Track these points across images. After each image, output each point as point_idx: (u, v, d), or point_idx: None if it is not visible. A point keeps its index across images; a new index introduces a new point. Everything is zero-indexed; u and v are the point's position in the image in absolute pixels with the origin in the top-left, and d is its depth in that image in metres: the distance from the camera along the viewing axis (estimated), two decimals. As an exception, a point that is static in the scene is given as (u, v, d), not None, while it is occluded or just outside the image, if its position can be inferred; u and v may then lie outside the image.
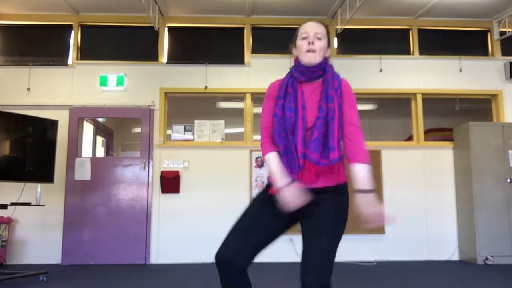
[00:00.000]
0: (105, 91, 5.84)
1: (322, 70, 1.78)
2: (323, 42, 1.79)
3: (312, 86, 1.80)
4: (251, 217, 1.79)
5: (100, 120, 6.80)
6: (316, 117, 1.72)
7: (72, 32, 6.03)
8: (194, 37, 6.24)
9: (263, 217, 1.78)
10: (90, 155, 6.11)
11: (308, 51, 1.76)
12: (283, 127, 1.74)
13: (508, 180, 5.46)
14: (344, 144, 1.76)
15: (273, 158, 1.79)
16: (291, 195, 1.68)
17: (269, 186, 1.83)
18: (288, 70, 1.87)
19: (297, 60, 1.83)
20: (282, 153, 1.75)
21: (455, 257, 5.73)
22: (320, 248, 1.65)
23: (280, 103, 1.76)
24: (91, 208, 5.52)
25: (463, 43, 6.41)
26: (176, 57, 6.07)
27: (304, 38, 1.79)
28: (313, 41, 1.76)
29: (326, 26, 1.86)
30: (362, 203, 1.68)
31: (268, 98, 1.84)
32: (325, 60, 1.82)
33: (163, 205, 5.61)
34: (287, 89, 1.78)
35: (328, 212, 1.72)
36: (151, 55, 6.04)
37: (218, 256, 1.72)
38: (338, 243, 1.72)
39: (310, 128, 1.73)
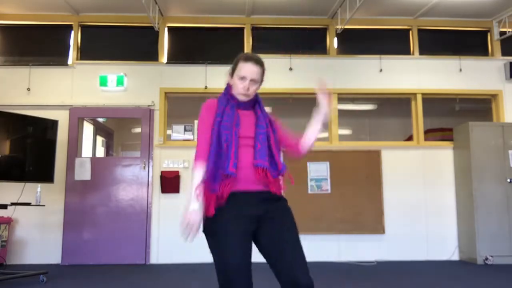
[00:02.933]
0: (105, 91, 5.84)
1: (254, 103, 1.98)
2: (257, 85, 1.96)
3: (245, 111, 1.96)
4: (241, 250, 1.76)
5: (100, 120, 6.80)
6: (254, 132, 1.90)
7: (72, 32, 6.03)
8: (194, 37, 6.24)
9: (246, 244, 1.78)
10: (90, 155, 6.11)
11: (243, 94, 1.92)
12: (219, 142, 1.84)
13: (508, 180, 5.46)
14: (292, 145, 2.05)
15: (201, 172, 1.83)
16: (195, 219, 1.74)
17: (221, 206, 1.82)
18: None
19: (231, 88, 1.97)
20: (213, 165, 1.83)
21: (455, 257, 5.72)
22: (300, 247, 1.78)
23: (217, 120, 1.88)
24: (91, 208, 5.52)
25: (463, 43, 6.41)
26: (176, 57, 6.07)
27: (241, 79, 1.91)
28: (248, 87, 1.91)
29: (263, 65, 1.98)
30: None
31: (209, 110, 1.92)
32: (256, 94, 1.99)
33: (163, 205, 5.61)
34: (225, 110, 1.91)
35: (286, 214, 1.88)
36: (151, 55, 6.04)
37: None
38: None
39: (250, 142, 1.88)
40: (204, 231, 1.82)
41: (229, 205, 1.78)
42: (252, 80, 1.91)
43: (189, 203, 1.77)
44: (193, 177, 1.82)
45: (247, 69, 1.90)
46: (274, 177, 1.87)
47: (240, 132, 1.88)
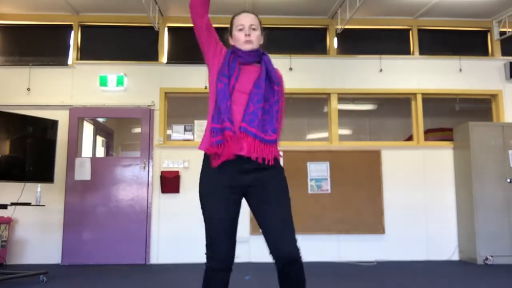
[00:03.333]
0: (105, 91, 5.84)
1: (259, 55, 1.97)
2: (258, 32, 1.97)
3: (249, 67, 1.94)
4: (225, 209, 1.83)
5: (100, 120, 6.80)
6: (250, 91, 1.85)
7: (72, 32, 6.03)
8: (194, 37, 6.20)
9: (231, 204, 1.84)
10: (90, 155, 6.11)
11: (246, 41, 1.93)
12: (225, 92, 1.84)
13: (508, 180, 5.46)
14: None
15: None
16: None
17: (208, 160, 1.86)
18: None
19: (234, 47, 1.98)
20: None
21: (455, 257, 5.73)
22: (288, 217, 1.81)
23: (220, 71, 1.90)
24: (91, 208, 5.52)
25: (463, 43, 6.41)
26: (176, 57, 6.07)
27: (240, 30, 1.95)
28: (249, 33, 1.93)
29: (257, 15, 2.01)
30: None
31: (222, 48, 1.96)
32: (259, 48, 1.99)
33: (163, 205, 5.61)
34: (229, 62, 1.91)
35: (279, 182, 1.88)
36: (151, 55, 6.04)
37: (223, 261, 1.80)
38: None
39: (244, 99, 1.84)
40: (199, 192, 1.90)
41: (217, 171, 1.83)
42: (251, 27, 1.94)
43: None
44: None
45: (242, 18, 1.97)
46: (264, 143, 1.81)
47: (237, 86, 1.87)
